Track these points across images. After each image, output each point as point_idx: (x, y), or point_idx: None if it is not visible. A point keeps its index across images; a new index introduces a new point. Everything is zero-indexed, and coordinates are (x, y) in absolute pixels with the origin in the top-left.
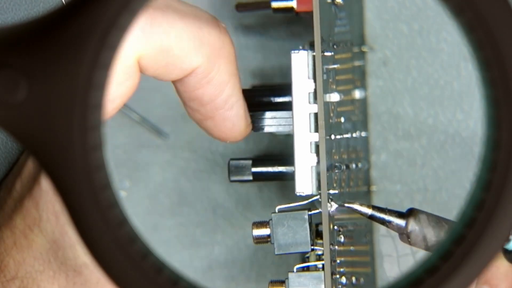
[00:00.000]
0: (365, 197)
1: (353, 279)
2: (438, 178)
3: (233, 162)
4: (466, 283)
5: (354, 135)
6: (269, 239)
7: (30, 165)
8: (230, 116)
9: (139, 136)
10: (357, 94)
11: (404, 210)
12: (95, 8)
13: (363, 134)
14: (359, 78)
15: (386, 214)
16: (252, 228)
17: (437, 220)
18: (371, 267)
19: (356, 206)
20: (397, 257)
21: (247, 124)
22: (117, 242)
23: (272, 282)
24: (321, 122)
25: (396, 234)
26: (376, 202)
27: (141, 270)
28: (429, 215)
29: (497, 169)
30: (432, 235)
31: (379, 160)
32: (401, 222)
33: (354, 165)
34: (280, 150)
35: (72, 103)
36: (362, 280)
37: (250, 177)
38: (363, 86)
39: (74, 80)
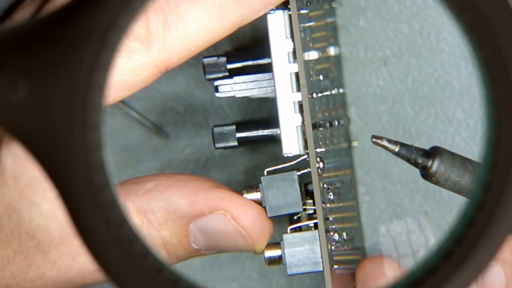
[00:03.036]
0: (348, 153)
1: (344, 234)
2: None
3: (216, 129)
4: (466, 283)
5: (333, 92)
6: (260, 203)
7: None
8: None
9: (139, 136)
10: (332, 50)
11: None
12: (95, 8)
13: (341, 90)
14: (332, 34)
15: (412, 151)
16: (243, 193)
17: (461, 161)
18: (358, 221)
19: (384, 142)
20: (397, 257)
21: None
22: (117, 242)
23: (268, 245)
24: (303, 80)
25: (396, 235)
26: (375, 201)
27: (141, 270)
28: (454, 155)
29: (497, 169)
30: (456, 175)
31: (379, 160)
32: (426, 160)
33: (336, 122)
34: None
35: (72, 103)
36: (351, 234)
37: (236, 143)
38: (336, 42)
39: (74, 80)
